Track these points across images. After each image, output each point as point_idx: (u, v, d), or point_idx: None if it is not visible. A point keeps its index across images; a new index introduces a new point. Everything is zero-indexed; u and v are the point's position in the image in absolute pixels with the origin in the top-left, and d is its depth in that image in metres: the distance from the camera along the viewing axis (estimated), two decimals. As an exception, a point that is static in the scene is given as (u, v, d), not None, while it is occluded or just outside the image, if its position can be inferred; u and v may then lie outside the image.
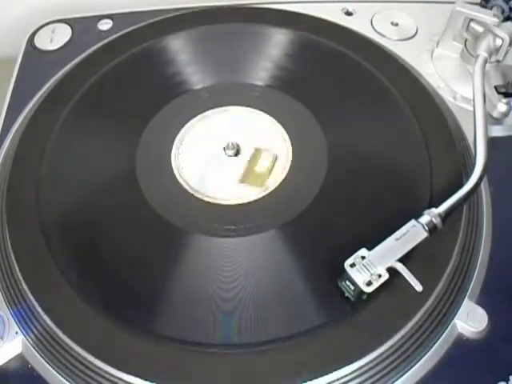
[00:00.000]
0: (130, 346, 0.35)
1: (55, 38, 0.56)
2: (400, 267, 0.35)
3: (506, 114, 0.47)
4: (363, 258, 0.36)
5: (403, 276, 0.35)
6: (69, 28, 0.57)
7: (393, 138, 0.46)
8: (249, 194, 0.44)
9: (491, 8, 0.50)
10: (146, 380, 0.34)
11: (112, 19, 0.57)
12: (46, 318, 0.37)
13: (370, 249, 0.36)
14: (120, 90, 0.50)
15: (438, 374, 0.35)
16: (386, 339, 0.35)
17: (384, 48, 0.53)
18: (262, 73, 0.52)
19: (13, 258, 0.39)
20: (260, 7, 0.56)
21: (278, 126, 0.48)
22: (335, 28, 0.54)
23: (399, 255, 0.36)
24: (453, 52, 0.52)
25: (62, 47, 0.55)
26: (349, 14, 0.56)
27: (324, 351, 0.35)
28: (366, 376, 0.34)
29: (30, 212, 0.41)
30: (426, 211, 0.38)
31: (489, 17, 0.47)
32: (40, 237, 0.40)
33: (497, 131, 0.47)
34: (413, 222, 0.37)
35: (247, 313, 0.37)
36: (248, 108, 0.49)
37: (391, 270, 0.35)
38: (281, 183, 0.44)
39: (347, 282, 0.36)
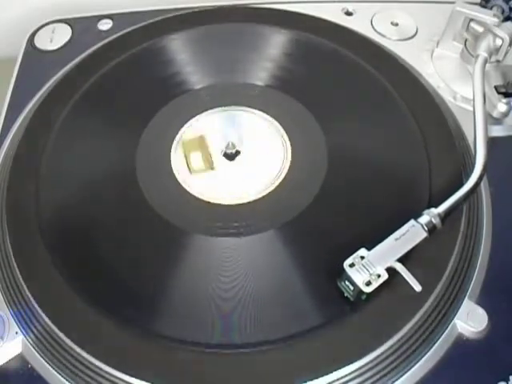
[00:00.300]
0: (130, 346, 0.35)
1: (55, 38, 0.56)
2: (399, 267, 0.35)
3: (505, 114, 0.46)
4: (362, 257, 0.36)
5: (402, 276, 0.35)
6: (69, 28, 0.57)
7: (393, 138, 0.46)
8: (249, 194, 0.44)
9: (491, 8, 0.50)
10: (145, 380, 0.34)
11: (112, 19, 0.57)
12: (45, 318, 0.37)
13: (369, 249, 0.36)
14: (120, 89, 0.50)
15: (438, 373, 0.35)
16: (385, 339, 0.35)
17: (384, 48, 0.53)
18: (261, 73, 0.52)
19: (13, 257, 0.39)
20: (260, 7, 0.56)
21: (278, 125, 0.48)
22: (335, 28, 0.54)
23: (398, 255, 0.36)
24: (453, 52, 0.51)
25: (62, 47, 0.55)
26: (349, 13, 0.56)
27: (324, 351, 0.35)
28: (365, 376, 0.34)
29: (30, 212, 0.41)
30: (426, 211, 0.38)
31: (489, 17, 0.47)
32: (40, 237, 0.40)
33: (497, 131, 0.47)
34: (412, 221, 0.37)
35: (247, 313, 0.37)
36: (248, 108, 0.49)
37: (390, 270, 0.35)
38: (280, 183, 0.44)
39: (346, 282, 0.36)
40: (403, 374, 0.35)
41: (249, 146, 0.47)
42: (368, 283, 0.35)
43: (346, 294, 0.36)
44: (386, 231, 0.37)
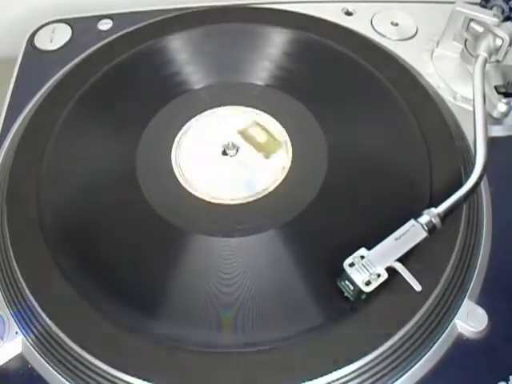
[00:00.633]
0: (130, 345, 0.35)
1: (55, 38, 0.56)
2: (399, 267, 0.35)
3: (505, 114, 0.46)
4: (362, 257, 0.36)
5: (402, 276, 0.35)
6: (69, 28, 0.57)
7: (393, 137, 0.46)
8: (249, 194, 0.44)
9: (491, 8, 0.50)
10: (145, 380, 0.34)
11: (112, 19, 0.57)
12: (45, 318, 0.37)
13: (369, 248, 0.36)
14: (120, 89, 0.50)
15: (438, 374, 0.35)
16: (385, 339, 0.35)
17: (384, 48, 0.53)
18: (261, 72, 0.52)
19: (13, 258, 0.39)
20: (260, 7, 0.56)
21: (278, 125, 0.48)
22: (335, 28, 0.54)
23: (398, 255, 0.36)
24: (453, 52, 0.51)
25: (61, 47, 0.55)
26: (349, 14, 0.56)
27: (324, 351, 0.35)
28: (365, 376, 0.34)
29: (30, 212, 0.41)
30: (426, 211, 0.38)
31: (489, 17, 0.47)
32: (40, 237, 0.40)
33: (497, 131, 0.47)
34: (412, 221, 0.37)
35: (247, 313, 0.37)
36: (248, 108, 0.49)
37: (390, 270, 0.35)
38: (281, 183, 0.44)
39: (346, 282, 0.36)
40: (403, 374, 0.35)
41: (249, 146, 0.47)
42: (368, 283, 0.35)
43: (345, 294, 0.36)
44: (385, 231, 0.37)
